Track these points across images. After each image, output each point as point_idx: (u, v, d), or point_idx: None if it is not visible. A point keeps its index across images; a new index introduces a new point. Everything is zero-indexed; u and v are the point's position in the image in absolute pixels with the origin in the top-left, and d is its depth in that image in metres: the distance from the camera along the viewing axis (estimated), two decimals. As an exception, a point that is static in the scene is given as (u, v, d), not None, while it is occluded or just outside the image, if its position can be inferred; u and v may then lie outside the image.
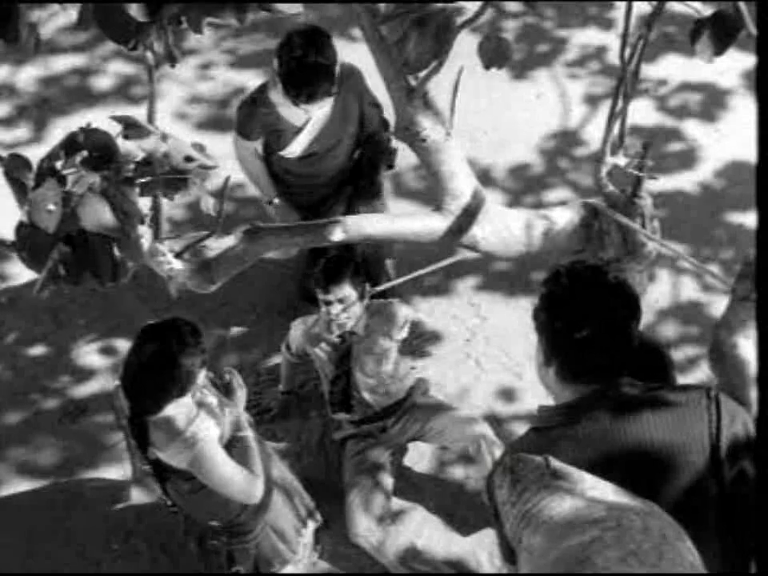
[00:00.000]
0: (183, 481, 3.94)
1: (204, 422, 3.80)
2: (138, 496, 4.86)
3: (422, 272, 4.79)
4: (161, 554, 4.72)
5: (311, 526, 4.47)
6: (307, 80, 4.29)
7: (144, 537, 4.78)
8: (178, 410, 3.77)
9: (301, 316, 4.90)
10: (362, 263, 4.89)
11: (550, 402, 2.55)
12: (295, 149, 4.68)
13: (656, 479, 2.32)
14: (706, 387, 2.45)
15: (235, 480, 3.85)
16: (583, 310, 2.42)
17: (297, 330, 4.81)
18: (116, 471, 4.98)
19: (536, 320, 2.51)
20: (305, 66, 4.27)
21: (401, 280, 4.91)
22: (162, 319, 3.87)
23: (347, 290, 4.47)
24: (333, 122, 4.67)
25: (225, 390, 4.07)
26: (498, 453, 4.46)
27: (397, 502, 4.74)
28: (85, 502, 4.94)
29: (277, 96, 4.52)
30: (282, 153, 4.69)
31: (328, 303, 4.47)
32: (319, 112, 4.57)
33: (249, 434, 3.99)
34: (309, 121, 4.61)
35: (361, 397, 4.72)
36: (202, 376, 3.80)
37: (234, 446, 3.93)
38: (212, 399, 3.94)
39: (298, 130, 4.63)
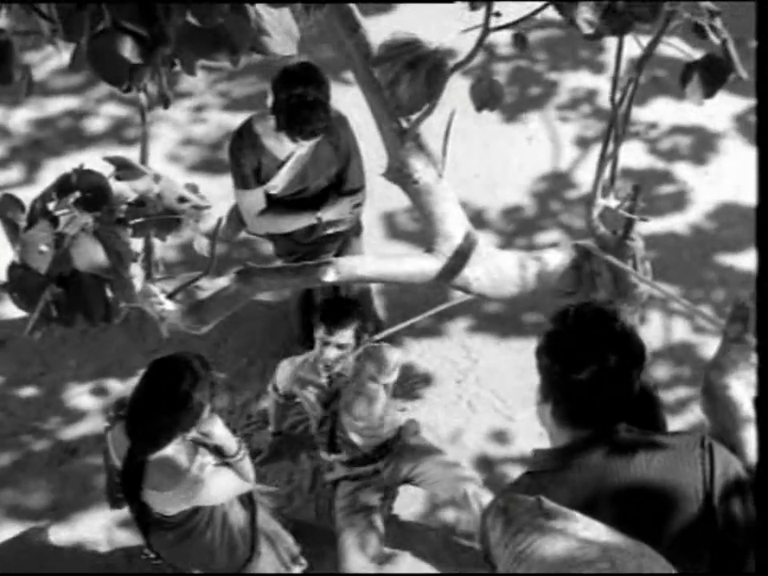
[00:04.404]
0: (166, 531, 3.90)
1: (204, 456, 3.77)
2: (128, 539, 4.83)
3: (417, 318, 4.77)
4: (150, 598, 4.68)
5: (296, 570, 4.43)
6: (307, 117, 4.28)
7: (134, 580, 4.74)
8: (178, 446, 3.74)
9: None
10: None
11: (541, 444, 2.54)
12: (277, 183, 4.66)
13: (649, 520, 2.31)
14: (700, 435, 2.44)
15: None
16: (585, 353, 2.40)
17: (284, 371, 4.76)
18: (106, 514, 4.92)
19: (538, 358, 2.49)
20: (304, 103, 4.25)
21: (399, 327, 4.85)
22: (168, 354, 3.85)
23: (349, 338, 4.45)
24: (320, 160, 4.65)
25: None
26: (485, 500, 4.41)
27: (387, 545, 4.71)
28: (74, 545, 4.90)
29: (261, 127, 4.53)
30: (264, 187, 4.67)
31: (326, 344, 4.45)
32: (303, 148, 4.56)
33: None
34: (292, 155, 4.60)
35: (347, 438, 4.68)
36: (208, 409, 3.77)
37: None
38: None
39: (281, 164, 4.63)
